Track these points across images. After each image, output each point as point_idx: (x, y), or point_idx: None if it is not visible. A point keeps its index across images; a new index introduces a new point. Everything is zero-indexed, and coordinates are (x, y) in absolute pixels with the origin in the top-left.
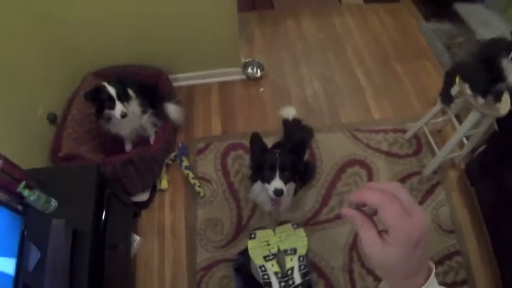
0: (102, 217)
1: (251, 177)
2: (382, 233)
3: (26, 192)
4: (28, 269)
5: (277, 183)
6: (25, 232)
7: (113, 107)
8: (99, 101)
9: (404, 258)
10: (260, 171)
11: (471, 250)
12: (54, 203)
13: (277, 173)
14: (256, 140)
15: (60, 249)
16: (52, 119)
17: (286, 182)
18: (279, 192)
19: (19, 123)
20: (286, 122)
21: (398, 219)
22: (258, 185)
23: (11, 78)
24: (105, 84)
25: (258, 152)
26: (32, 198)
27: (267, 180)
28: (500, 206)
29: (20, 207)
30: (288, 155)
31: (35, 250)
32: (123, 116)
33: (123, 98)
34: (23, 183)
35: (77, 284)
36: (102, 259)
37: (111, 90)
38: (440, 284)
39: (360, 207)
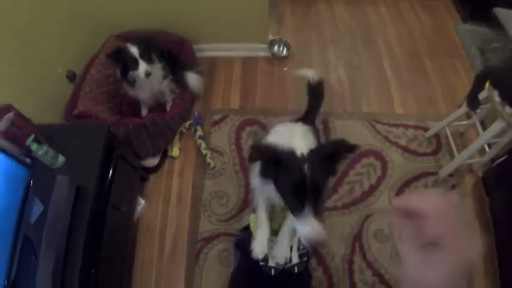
0: (107, 177)
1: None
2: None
3: (34, 146)
4: (30, 221)
5: (311, 223)
6: (30, 185)
7: (136, 67)
8: (123, 62)
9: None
10: (279, 187)
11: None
12: (61, 159)
13: (309, 204)
14: (260, 151)
15: (61, 205)
16: (71, 77)
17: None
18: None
19: (38, 79)
20: (310, 87)
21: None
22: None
23: (32, 33)
24: (128, 44)
25: (268, 162)
26: (39, 152)
27: (293, 211)
28: (511, 220)
29: (28, 160)
30: (322, 163)
31: (38, 203)
32: (148, 74)
33: (147, 58)
34: (32, 136)
35: (75, 238)
36: (103, 218)
37: (134, 51)
38: None
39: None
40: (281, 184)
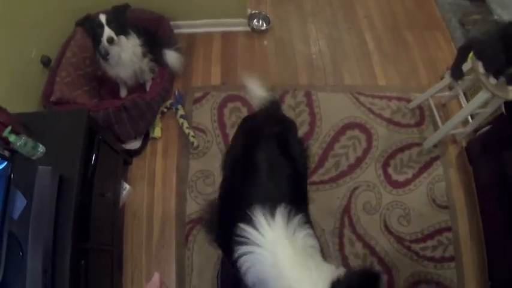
0: (90, 164)
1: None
2: None
3: (12, 138)
4: (13, 217)
5: None
6: (11, 178)
7: (101, 33)
8: (92, 30)
9: None
10: None
11: (462, 228)
12: (41, 148)
13: None
14: None
15: (45, 197)
16: (46, 62)
17: None
18: None
19: (11, 65)
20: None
21: None
22: None
23: (3, 16)
24: (99, 13)
25: None
26: (18, 143)
27: None
28: (494, 188)
29: (6, 152)
30: None
31: (21, 197)
32: (110, 41)
33: (115, 25)
34: (9, 128)
35: (62, 230)
36: (89, 206)
37: (102, 17)
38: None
39: None
40: None
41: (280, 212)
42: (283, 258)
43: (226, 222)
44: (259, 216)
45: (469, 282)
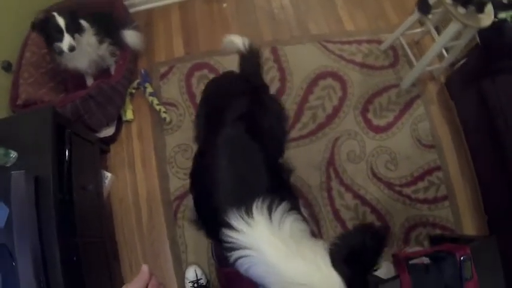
0: (65, 160)
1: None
2: None
3: None
4: (0, 227)
5: None
6: None
7: (61, 39)
8: (48, 33)
9: None
10: None
11: (451, 165)
12: (13, 154)
13: None
14: None
15: (23, 201)
16: (6, 67)
17: None
18: None
19: None
20: (242, 57)
21: None
22: None
23: None
24: (55, 14)
25: None
26: None
27: None
28: (479, 119)
29: None
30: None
31: (3, 206)
32: (71, 49)
33: (74, 29)
34: None
35: (47, 230)
36: (71, 202)
37: (60, 21)
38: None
39: None
40: None
41: (258, 208)
42: (273, 254)
43: (203, 216)
44: (236, 218)
45: (466, 219)
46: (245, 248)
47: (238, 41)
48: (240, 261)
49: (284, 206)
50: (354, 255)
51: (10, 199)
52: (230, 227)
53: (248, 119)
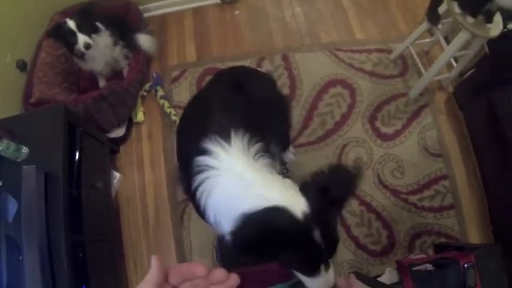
0: (75, 157)
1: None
2: None
3: None
4: (8, 220)
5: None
6: (0, 183)
7: (76, 40)
8: (64, 38)
9: None
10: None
11: (458, 174)
12: (25, 150)
13: (325, 262)
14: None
15: (33, 195)
16: (21, 66)
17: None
18: None
19: None
20: None
21: None
22: None
23: None
24: (66, 19)
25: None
26: (0, 148)
27: (305, 274)
28: (488, 130)
29: None
30: (329, 209)
31: (12, 201)
32: (87, 47)
33: (87, 29)
34: None
35: (54, 226)
36: (80, 199)
37: (71, 24)
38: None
39: None
40: (287, 261)
41: (237, 137)
42: (247, 172)
43: (183, 161)
44: (214, 143)
45: (471, 228)
46: (214, 169)
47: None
48: (203, 185)
49: (262, 146)
50: (323, 189)
51: (20, 193)
52: (205, 152)
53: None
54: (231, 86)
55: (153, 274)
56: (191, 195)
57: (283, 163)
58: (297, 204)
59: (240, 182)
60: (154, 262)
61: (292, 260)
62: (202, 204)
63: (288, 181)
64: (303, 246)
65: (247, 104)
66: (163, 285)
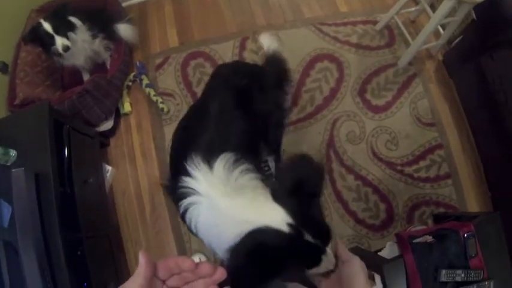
0: (64, 155)
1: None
2: None
3: None
4: (4, 225)
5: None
6: None
7: (53, 42)
8: (41, 41)
9: None
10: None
11: (453, 142)
12: (13, 152)
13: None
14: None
15: (24, 197)
16: (2, 67)
17: None
18: None
19: None
20: (268, 60)
21: None
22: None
23: None
24: (41, 21)
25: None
26: None
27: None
28: (479, 96)
29: None
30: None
31: (6, 205)
32: (65, 49)
33: (64, 29)
34: None
35: (49, 226)
36: (72, 197)
37: (47, 27)
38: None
39: None
40: (291, 274)
41: (224, 158)
42: (219, 196)
43: (172, 173)
44: (195, 165)
45: (469, 196)
46: (197, 194)
47: (265, 42)
48: (190, 210)
49: (246, 166)
50: (295, 189)
51: (12, 197)
52: (188, 174)
53: (243, 93)
54: (233, 92)
55: (142, 269)
56: (181, 216)
57: (265, 161)
58: (278, 217)
59: (217, 211)
60: (142, 257)
61: (295, 270)
62: (193, 230)
63: (262, 193)
64: (300, 254)
65: (246, 112)
66: (152, 279)
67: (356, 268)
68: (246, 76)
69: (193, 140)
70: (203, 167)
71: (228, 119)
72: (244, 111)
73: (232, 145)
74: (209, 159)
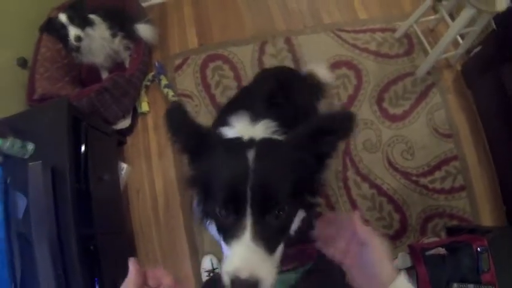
0: (81, 151)
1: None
2: None
3: None
4: (19, 217)
5: (244, 258)
6: (7, 182)
7: (67, 33)
8: (56, 32)
9: None
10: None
11: (469, 154)
12: (31, 146)
13: (250, 223)
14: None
15: (40, 191)
16: (22, 63)
17: (273, 247)
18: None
19: None
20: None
21: None
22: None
23: None
24: (58, 13)
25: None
26: (5, 146)
27: (224, 233)
28: (497, 108)
29: None
30: (292, 153)
31: (21, 197)
32: (77, 39)
33: (79, 22)
34: None
35: (64, 220)
36: (87, 192)
37: (62, 17)
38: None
39: None
40: (202, 184)
41: (266, 123)
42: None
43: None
44: (240, 117)
45: (483, 209)
46: None
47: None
48: None
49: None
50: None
51: (28, 190)
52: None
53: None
54: (277, 82)
55: (132, 276)
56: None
57: None
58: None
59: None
60: (131, 265)
61: (207, 189)
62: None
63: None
64: (225, 172)
65: (287, 99)
66: (142, 287)
67: (379, 254)
68: (290, 74)
69: (241, 103)
70: (246, 120)
71: (272, 100)
72: (287, 99)
73: (273, 118)
74: (254, 119)
